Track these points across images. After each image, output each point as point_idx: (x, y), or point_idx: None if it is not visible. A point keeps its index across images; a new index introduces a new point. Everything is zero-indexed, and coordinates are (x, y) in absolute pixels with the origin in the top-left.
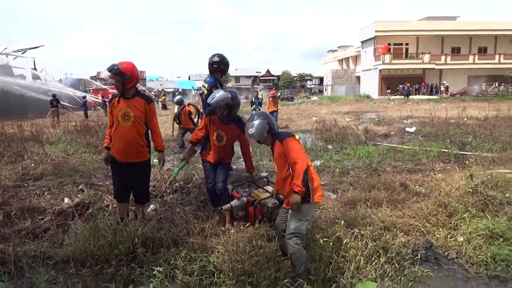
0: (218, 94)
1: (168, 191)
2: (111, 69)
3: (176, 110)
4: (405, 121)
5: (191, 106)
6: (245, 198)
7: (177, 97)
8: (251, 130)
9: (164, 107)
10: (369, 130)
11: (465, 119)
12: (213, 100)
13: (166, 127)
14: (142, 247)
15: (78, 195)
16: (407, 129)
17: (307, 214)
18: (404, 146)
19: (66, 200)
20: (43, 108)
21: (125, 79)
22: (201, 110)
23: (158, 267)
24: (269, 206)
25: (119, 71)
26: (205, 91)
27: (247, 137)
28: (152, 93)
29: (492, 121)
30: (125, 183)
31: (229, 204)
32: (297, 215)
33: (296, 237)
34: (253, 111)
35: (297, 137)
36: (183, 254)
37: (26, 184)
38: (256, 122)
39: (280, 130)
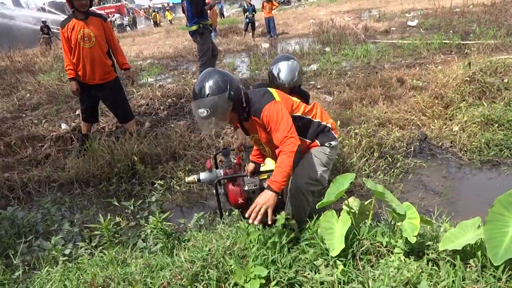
0: (285, 69)
1: (161, 107)
2: None
3: None
4: (407, 14)
5: None
6: (218, 172)
7: None
8: (204, 111)
9: (156, 24)
10: (368, 28)
11: (471, 6)
12: (284, 78)
13: (159, 44)
14: (140, 163)
15: (75, 120)
16: (408, 23)
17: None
18: (404, 41)
19: (63, 125)
20: (31, 37)
21: None
22: (186, 23)
23: (159, 181)
24: (245, 189)
25: None
26: None
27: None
28: (142, 10)
29: (499, 6)
30: (95, 105)
31: (194, 176)
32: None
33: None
34: (246, 19)
35: (276, 96)
36: (181, 167)
37: (23, 115)
38: (209, 97)
39: (252, 94)
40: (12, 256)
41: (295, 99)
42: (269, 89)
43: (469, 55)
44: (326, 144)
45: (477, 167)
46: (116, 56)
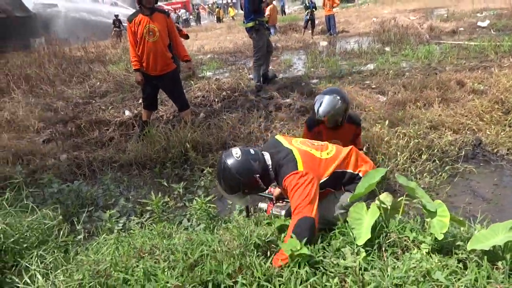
0: (324, 103)
1: (216, 100)
2: None
3: None
4: (478, 14)
5: None
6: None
7: None
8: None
9: (219, 19)
10: (434, 28)
11: None
12: (321, 112)
13: (220, 39)
14: (192, 151)
15: (138, 108)
16: (479, 23)
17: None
18: (471, 42)
19: (126, 112)
20: (104, 30)
21: None
22: (244, 20)
23: (208, 168)
24: (271, 212)
25: None
26: None
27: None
28: (206, 6)
29: None
30: (155, 95)
31: None
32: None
33: None
34: (306, 17)
35: (300, 165)
36: None
37: (93, 101)
38: (232, 166)
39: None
40: (76, 223)
41: (330, 146)
42: (296, 153)
43: None
44: (351, 190)
45: None
46: (177, 49)
